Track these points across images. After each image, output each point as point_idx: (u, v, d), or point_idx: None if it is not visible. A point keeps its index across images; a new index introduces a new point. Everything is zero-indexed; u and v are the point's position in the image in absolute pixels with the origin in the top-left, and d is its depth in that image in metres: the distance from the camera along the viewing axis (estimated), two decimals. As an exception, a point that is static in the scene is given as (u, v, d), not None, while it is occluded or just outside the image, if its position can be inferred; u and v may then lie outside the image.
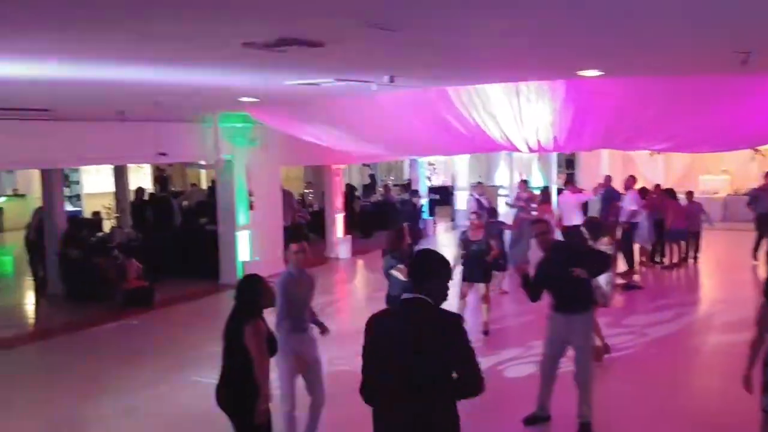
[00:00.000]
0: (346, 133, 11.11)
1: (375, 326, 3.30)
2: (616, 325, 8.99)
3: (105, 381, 7.73)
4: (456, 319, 3.23)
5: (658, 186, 14.23)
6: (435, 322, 3.17)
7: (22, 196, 20.68)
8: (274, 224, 13.33)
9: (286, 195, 14.66)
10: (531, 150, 8.88)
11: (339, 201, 15.70)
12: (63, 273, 11.82)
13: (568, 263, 5.74)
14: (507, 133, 8.30)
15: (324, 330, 5.86)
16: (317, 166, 17.89)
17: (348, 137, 11.36)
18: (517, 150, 9.06)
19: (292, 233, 12.56)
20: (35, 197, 17.76)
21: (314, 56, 4.78)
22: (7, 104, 8.37)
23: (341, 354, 7.23)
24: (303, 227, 15.52)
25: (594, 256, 6.33)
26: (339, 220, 15.59)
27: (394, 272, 6.90)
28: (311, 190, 20.64)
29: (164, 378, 7.80)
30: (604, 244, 7.95)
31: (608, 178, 13.63)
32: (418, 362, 3.09)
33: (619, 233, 11.67)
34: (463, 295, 8.83)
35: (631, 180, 12.66)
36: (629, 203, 12.19)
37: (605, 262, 6.28)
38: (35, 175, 16.82)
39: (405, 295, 3.29)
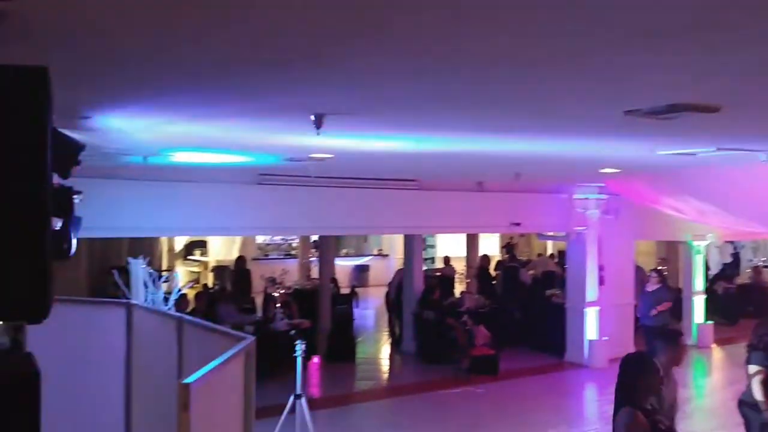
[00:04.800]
0: (716, 207, 9.95)
1: None
2: None
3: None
4: None
5: None
6: None
7: (386, 256, 22.81)
8: (624, 302, 12.44)
9: (638, 272, 13.63)
10: None
11: (699, 281, 14.10)
12: (417, 332, 12.49)
13: None
14: None
15: None
16: (672, 242, 16.49)
17: (718, 210, 10.16)
18: None
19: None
20: (397, 258, 19.40)
21: (702, 123, 4.21)
22: (380, 175, 9.25)
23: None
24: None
25: None
26: (699, 304, 13.96)
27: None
28: (665, 267, 19.00)
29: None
30: None
31: None
32: None
33: None
34: None
35: None
36: None
37: None
38: (398, 237, 18.38)
39: None
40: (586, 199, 11.74)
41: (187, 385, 1.98)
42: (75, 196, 2.39)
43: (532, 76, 3.03)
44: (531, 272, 16.18)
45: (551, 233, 12.45)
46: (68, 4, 2.01)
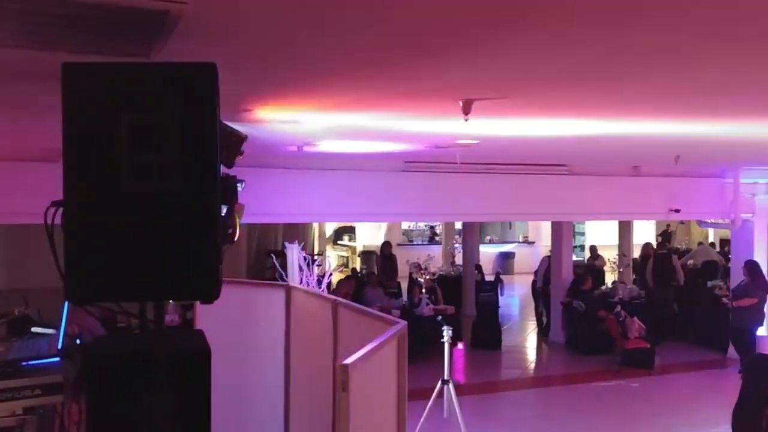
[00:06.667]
0: None
1: None
2: None
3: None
4: None
5: None
6: None
7: (532, 243, 22.31)
8: (799, 296, 11.37)
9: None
10: None
11: None
12: (565, 322, 12.14)
13: None
14: None
15: None
16: None
17: None
18: None
19: None
20: (543, 245, 18.94)
21: None
22: (527, 161, 9.04)
23: None
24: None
25: None
26: None
27: None
28: None
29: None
30: None
31: None
32: None
33: None
34: None
35: None
36: None
37: None
38: (545, 224, 17.92)
39: None
40: (755, 183, 10.84)
41: (346, 366, 2.05)
42: (238, 185, 2.52)
43: (706, 52, 2.81)
44: (690, 262, 15.18)
45: (713, 220, 11.59)
46: (236, 4, 2.11)
